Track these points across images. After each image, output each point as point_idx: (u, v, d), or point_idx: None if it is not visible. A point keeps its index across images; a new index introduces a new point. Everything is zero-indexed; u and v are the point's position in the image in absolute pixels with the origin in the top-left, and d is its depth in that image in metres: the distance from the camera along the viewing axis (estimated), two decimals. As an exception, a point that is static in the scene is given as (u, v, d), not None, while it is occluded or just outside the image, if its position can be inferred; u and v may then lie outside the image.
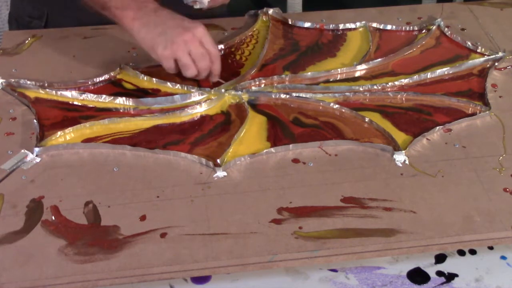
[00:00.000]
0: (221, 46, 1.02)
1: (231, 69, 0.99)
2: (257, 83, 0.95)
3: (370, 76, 0.98)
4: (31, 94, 0.93)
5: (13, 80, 0.93)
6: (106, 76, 0.96)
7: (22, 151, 0.83)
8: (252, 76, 0.97)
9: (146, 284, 0.72)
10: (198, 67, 0.90)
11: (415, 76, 0.96)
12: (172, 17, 0.89)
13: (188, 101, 0.92)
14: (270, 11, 1.10)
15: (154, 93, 0.94)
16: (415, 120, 0.89)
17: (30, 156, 0.82)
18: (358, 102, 0.92)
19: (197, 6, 0.98)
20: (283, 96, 0.93)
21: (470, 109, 0.91)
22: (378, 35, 1.06)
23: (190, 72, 0.90)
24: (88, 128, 0.87)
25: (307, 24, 1.08)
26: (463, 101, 0.92)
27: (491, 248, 0.78)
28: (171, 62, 0.89)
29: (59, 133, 0.86)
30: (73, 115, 0.89)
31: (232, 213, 0.75)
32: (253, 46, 1.04)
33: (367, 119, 0.88)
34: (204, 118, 0.90)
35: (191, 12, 0.96)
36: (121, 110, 0.91)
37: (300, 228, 0.74)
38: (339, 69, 0.98)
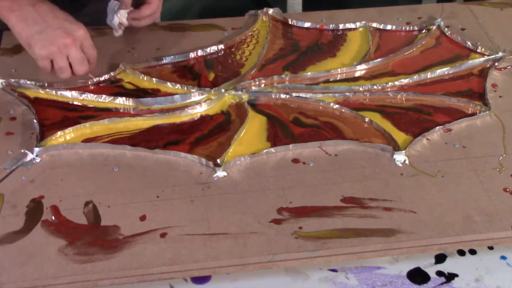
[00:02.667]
0: (221, 46, 1.02)
1: (231, 69, 0.99)
2: (257, 83, 0.95)
3: (370, 76, 0.98)
4: (31, 94, 0.93)
5: (13, 80, 0.94)
6: (106, 76, 0.96)
7: (22, 151, 0.83)
8: (252, 76, 0.97)
9: (146, 284, 0.72)
10: (75, 71, 0.88)
11: (415, 76, 0.96)
12: (53, 14, 0.86)
13: (188, 101, 0.92)
14: (270, 11, 1.10)
15: (154, 93, 0.94)
16: (415, 120, 0.89)
17: (30, 156, 0.82)
18: (358, 102, 0.92)
19: (123, 23, 0.99)
20: (283, 96, 0.93)
21: (470, 109, 0.91)
22: (378, 35, 1.06)
23: (64, 75, 0.88)
24: (88, 128, 0.87)
25: (307, 24, 1.08)
26: (463, 101, 0.92)
27: (491, 248, 0.78)
28: (47, 63, 0.87)
29: (59, 133, 0.86)
30: (73, 115, 0.89)
31: (232, 213, 0.75)
32: (253, 46, 1.04)
33: (367, 119, 0.88)
34: (204, 118, 0.90)
35: None
36: (121, 110, 0.91)
37: (300, 228, 0.74)
38: (339, 69, 0.98)
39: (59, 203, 0.76)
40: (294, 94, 0.93)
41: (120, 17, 0.98)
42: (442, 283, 0.74)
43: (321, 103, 0.92)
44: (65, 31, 0.85)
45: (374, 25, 1.08)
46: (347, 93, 0.93)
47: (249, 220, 0.74)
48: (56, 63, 0.86)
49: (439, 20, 1.07)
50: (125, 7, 0.97)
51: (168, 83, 0.94)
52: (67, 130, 0.86)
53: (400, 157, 0.83)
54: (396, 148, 0.84)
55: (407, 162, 0.82)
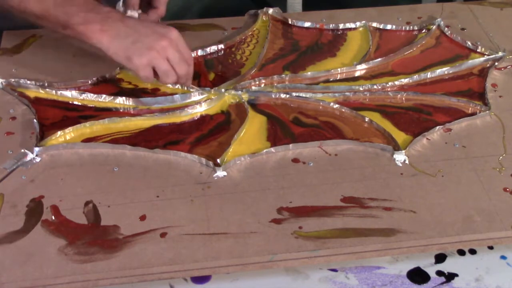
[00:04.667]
0: (221, 46, 1.02)
1: (231, 69, 0.99)
2: (257, 82, 0.95)
3: (370, 76, 0.98)
4: (31, 93, 0.93)
5: (13, 80, 0.94)
6: (106, 76, 0.96)
7: (22, 150, 0.83)
8: (252, 76, 0.97)
9: (146, 284, 0.72)
10: (178, 73, 0.87)
11: (415, 76, 0.96)
12: (142, 24, 0.87)
13: (188, 100, 0.92)
14: (270, 10, 1.10)
15: (153, 92, 0.94)
16: (415, 120, 0.89)
17: (30, 156, 0.82)
18: (358, 102, 0.92)
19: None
20: (283, 96, 0.93)
21: (470, 108, 0.91)
22: (378, 35, 1.06)
23: (171, 78, 0.87)
24: (88, 128, 0.87)
25: (307, 24, 1.08)
26: (463, 100, 0.92)
27: (491, 248, 0.78)
28: (149, 70, 0.86)
29: (59, 132, 0.86)
30: (73, 114, 0.89)
31: (232, 213, 0.75)
32: (253, 46, 1.04)
33: (367, 119, 0.88)
34: (204, 118, 0.90)
35: None
36: (121, 110, 0.91)
37: (300, 228, 0.74)
38: (339, 69, 0.98)
39: (59, 203, 0.76)
40: (294, 94, 0.93)
41: (131, 16, 0.95)
42: (442, 283, 0.74)
43: (321, 103, 0.92)
44: (159, 35, 0.85)
45: (374, 25, 1.08)
46: (347, 93, 0.93)
47: (249, 220, 0.74)
48: (159, 68, 0.85)
49: (439, 20, 1.07)
50: (132, 8, 0.96)
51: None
52: (67, 130, 0.86)
53: (400, 157, 0.83)
54: (396, 148, 0.84)
55: (407, 162, 0.82)
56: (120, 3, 0.96)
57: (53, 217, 0.75)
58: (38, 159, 0.83)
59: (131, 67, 0.86)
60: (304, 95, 0.93)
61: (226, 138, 0.86)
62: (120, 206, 0.76)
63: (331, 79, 0.97)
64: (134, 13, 0.96)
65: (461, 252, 0.77)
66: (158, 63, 0.85)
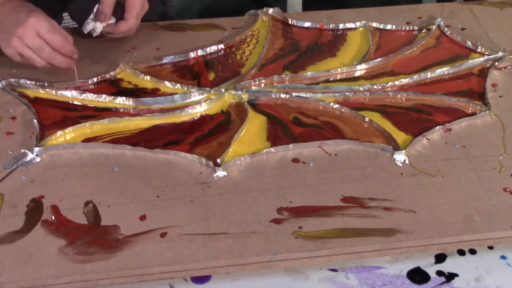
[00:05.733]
0: (221, 46, 1.02)
1: (231, 69, 0.99)
2: (257, 82, 0.95)
3: (370, 76, 0.98)
4: (31, 93, 0.93)
5: (13, 80, 0.94)
6: (106, 76, 0.96)
7: (22, 150, 0.83)
8: (252, 76, 0.97)
9: (146, 284, 0.72)
10: (43, 58, 0.89)
11: (415, 76, 0.96)
12: (13, 10, 0.88)
13: (188, 100, 0.92)
14: (270, 10, 1.10)
15: (154, 92, 0.94)
16: (415, 120, 0.89)
17: (30, 156, 0.82)
18: (358, 102, 0.92)
19: (93, 34, 0.97)
20: (283, 96, 0.93)
21: (470, 108, 0.91)
22: (378, 35, 1.06)
23: (37, 63, 0.89)
24: (88, 128, 0.87)
25: (307, 24, 1.08)
26: (463, 100, 0.92)
27: (491, 248, 0.78)
28: (18, 57, 0.89)
29: (59, 132, 0.86)
30: (73, 114, 0.89)
31: (232, 213, 0.75)
32: (253, 46, 1.04)
33: (367, 119, 0.88)
34: (204, 118, 0.90)
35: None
36: (121, 110, 0.91)
37: (300, 227, 0.74)
38: (339, 69, 0.98)
39: (59, 203, 0.76)
40: (294, 94, 0.93)
41: (94, 28, 0.96)
42: (442, 283, 0.74)
43: (321, 103, 0.92)
44: (17, 24, 0.87)
45: (374, 25, 1.08)
46: (347, 93, 0.93)
47: (249, 220, 0.74)
48: (22, 55, 0.89)
49: (439, 20, 1.07)
50: (103, 18, 0.94)
51: (168, 83, 0.94)
52: (67, 130, 0.86)
53: (400, 157, 0.83)
54: (396, 148, 0.84)
55: (407, 162, 0.82)
56: (95, 9, 0.95)
57: (53, 217, 0.75)
58: (38, 159, 0.83)
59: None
60: (304, 95, 0.93)
61: (226, 138, 0.86)
62: (120, 206, 0.76)
63: (331, 79, 0.97)
64: (99, 25, 0.95)
65: (461, 252, 0.77)
66: (21, 51, 0.88)
